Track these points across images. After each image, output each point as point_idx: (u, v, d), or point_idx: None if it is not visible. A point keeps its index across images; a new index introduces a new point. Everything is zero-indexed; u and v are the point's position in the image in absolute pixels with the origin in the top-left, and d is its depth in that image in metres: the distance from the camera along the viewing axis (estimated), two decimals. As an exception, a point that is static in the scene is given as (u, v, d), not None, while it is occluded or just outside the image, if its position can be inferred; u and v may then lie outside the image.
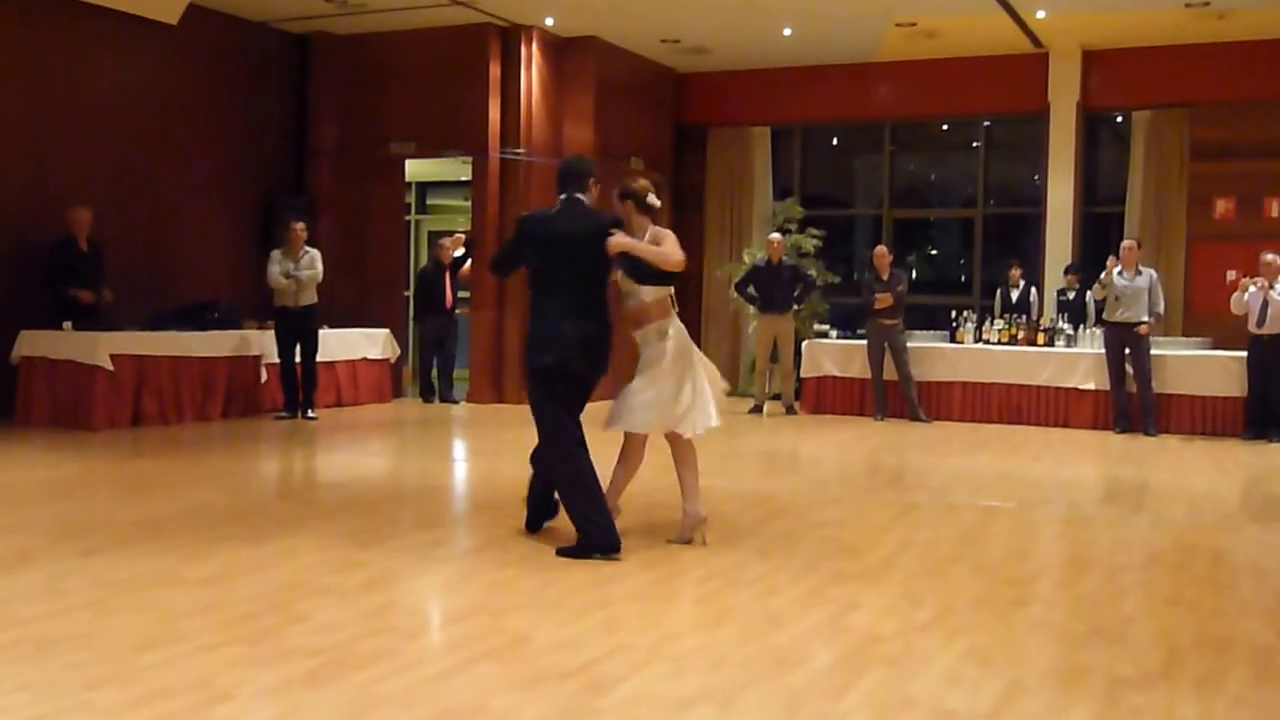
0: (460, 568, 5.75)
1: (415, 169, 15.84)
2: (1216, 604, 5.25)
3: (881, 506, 7.64)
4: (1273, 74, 13.24)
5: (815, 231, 14.48)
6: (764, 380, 13.42)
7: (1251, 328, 11.37)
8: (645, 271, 6.28)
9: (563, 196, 6.33)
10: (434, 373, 13.82)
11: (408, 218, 16.07)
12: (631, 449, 6.37)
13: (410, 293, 15.51)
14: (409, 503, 7.78)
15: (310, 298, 11.74)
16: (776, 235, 13.48)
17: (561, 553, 5.86)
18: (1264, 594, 5.50)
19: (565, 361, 6.10)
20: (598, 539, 5.83)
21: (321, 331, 12.10)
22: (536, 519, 6.43)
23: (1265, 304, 11.25)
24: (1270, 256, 11.39)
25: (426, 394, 13.80)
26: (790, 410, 13.20)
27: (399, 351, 13.91)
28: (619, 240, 6.19)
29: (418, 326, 14.48)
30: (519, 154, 13.62)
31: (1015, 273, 13.42)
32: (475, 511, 7.22)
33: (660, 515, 6.99)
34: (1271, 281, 11.27)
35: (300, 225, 11.84)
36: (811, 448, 11.10)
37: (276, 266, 11.63)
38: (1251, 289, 11.29)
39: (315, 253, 11.82)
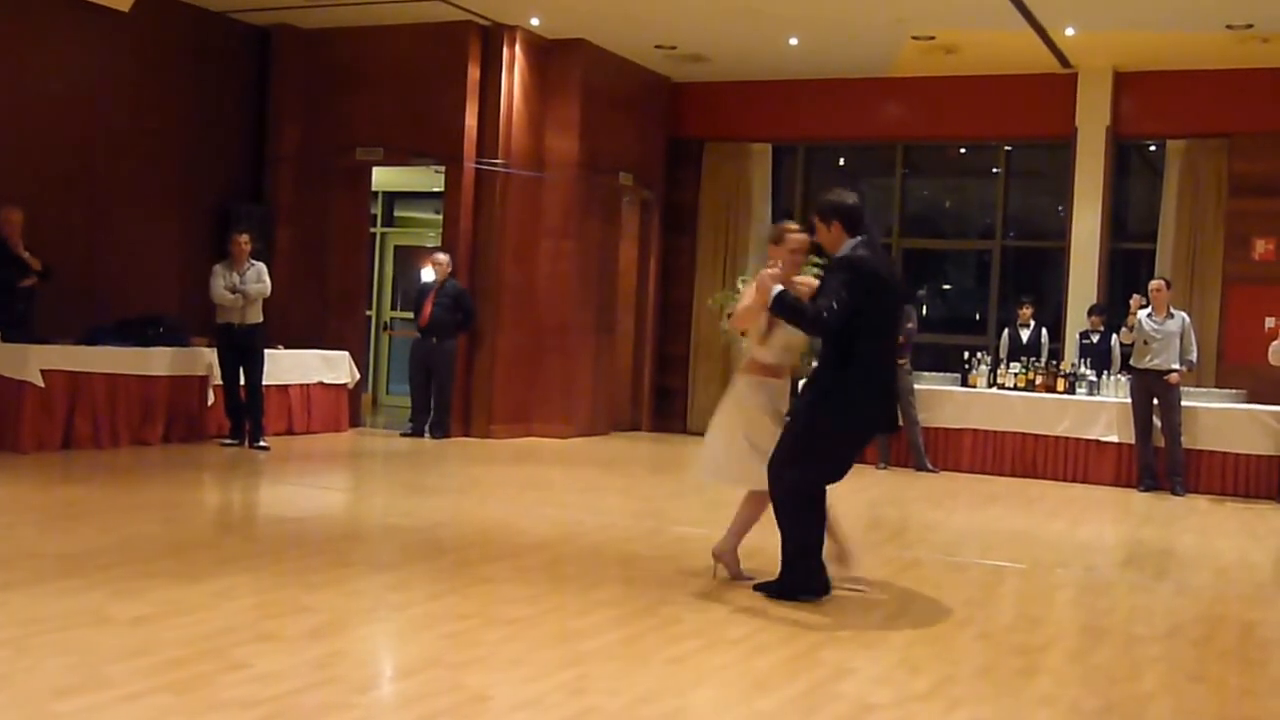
0: (417, 615, 5.74)
1: (382, 178, 15.87)
2: (1244, 682, 5.27)
3: (880, 563, 7.64)
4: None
5: (818, 260, 14.46)
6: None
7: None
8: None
9: (865, 237, 6.26)
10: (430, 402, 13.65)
11: (373, 230, 16.09)
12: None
13: (372, 312, 15.52)
14: (363, 542, 7.77)
15: (256, 315, 11.74)
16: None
17: (759, 588, 6.27)
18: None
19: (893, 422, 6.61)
20: (808, 582, 6.16)
21: (271, 352, 12.10)
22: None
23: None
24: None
25: (414, 424, 13.68)
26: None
27: (358, 376, 13.89)
28: None
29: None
30: (496, 164, 13.66)
31: (1025, 311, 13.46)
32: (435, 554, 7.21)
33: (638, 566, 7.00)
34: (1313, 330, 11.34)
35: (244, 237, 11.85)
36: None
37: (220, 280, 11.63)
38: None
39: (261, 266, 11.84)
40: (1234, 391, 12.45)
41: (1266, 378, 11.94)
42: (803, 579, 6.20)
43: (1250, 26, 12.10)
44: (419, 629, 5.53)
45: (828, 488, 6.38)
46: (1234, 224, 13.64)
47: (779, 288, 6.10)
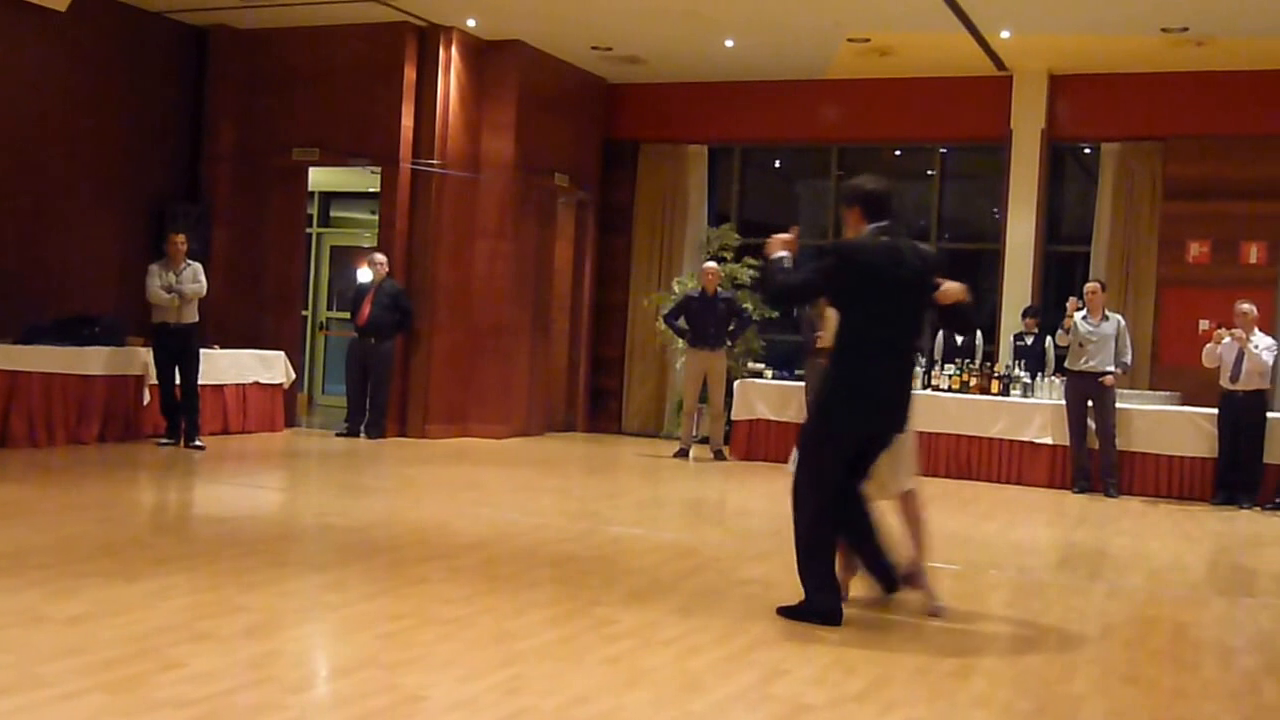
0: (352, 615, 5.74)
1: (319, 178, 15.81)
2: (1177, 684, 5.34)
3: (816, 564, 7.69)
4: (1253, 108, 13.50)
5: (753, 261, 14.58)
6: (691, 422, 13.49)
7: (1224, 383, 11.60)
8: None
9: (883, 225, 6.02)
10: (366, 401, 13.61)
11: (309, 230, 16.03)
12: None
13: (308, 312, 15.45)
14: (298, 542, 7.75)
15: (192, 315, 11.70)
16: (712, 264, 13.59)
17: (783, 612, 6.01)
18: (1229, 674, 5.61)
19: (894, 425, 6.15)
20: (827, 604, 5.95)
21: (207, 352, 12.06)
22: (889, 573, 6.29)
23: (1240, 357, 11.45)
24: (1246, 306, 11.60)
25: (350, 424, 13.63)
26: (719, 455, 13.26)
27: (294, 376, 13.84)
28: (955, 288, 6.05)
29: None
30: (432, 165, 13.65)
31: None
32: (371, 554, 7.20)
33: (572, 566, 7.03)
34: (1248, 333, 11.48)
35: (180, 237, 11.82)
36: (740, 497, 11.18)
37: (156, 280, 11.59)
38: (1226, 340, 11.50)
39: (198, 266, 11.81)
40: (1168, 394, 12.62)
41: (1201, 380, 12.12)
42: (814, 596, 5.96)
43: (1184, 30, 12.25)
44: (354, 629, 5.53)
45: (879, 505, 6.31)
46: (1168, 227, 13.80)
47: (784, 254, 5.96)
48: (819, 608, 5.92)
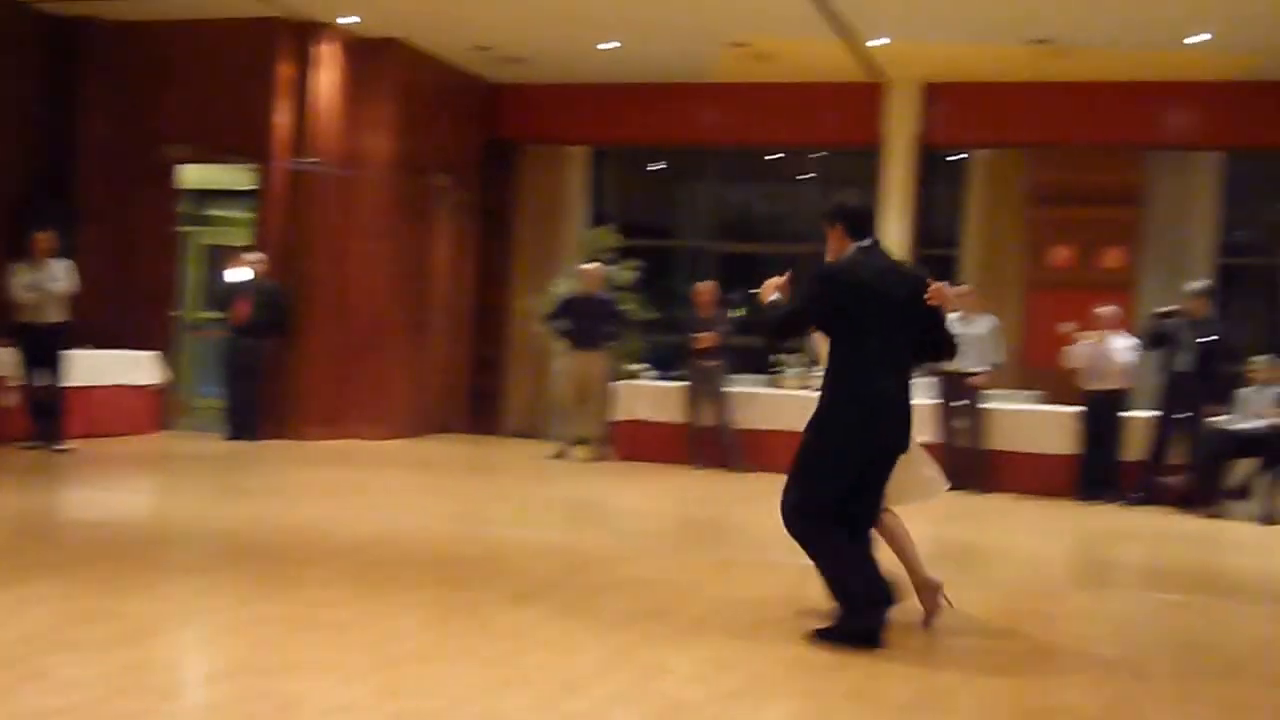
0: (227, 620, 5.65)
1: (193, 175, 15.50)
2: (1042, 674, 5.47)
3: (694, 563, 7.75)
4: (1113, 117, 13.92)
5: (633, 263, 14.64)
6: (571, 423, 13.48)
7: (1086, 383, 11.95)
8: None
9: (867, 243, 5.86)
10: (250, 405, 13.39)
11: (182, 228, 15.72)
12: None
13: (181, 312, 15.15)
14: (171, 547, 7.61)
15: (59, 314, 11.43)
16: (592, 265, 13.60)
17: (821, 635, 5.72)
18: (1089, 665, 5.74)
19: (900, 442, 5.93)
20: (863, 624, 5.70)
21: (76, 353, 11.77)
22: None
23: (1100, 358, 11.84)
24: (1105, 309, 12.00)
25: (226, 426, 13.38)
26: (599, 456, 13.29)
27: (166, 377, 13.58)
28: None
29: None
30: (310, 164, 13.48)
31: None
32: (247, 558, 7.10)
33: (453, 568, 7.00)
34: (1108, 335, 11.87)
35: (44, 235, 11.51)
36: (620, 498, 11.20)
37: (19, 279, 11.33)
38: (1087, 342, 11.85)
39: (65, 264, 11.53)
40: (1034, 393, 12.90)
41: (1064, 380, 12.40)
42: (854, 622, 5.68)
43: (1045, 41, 12.53)
44: (229, 634, 5.44)
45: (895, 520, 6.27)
46: (1034, 232, 14.13)
47: (776, 296, 5.84)
48: (853, 629, 5.68)
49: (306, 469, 11.42)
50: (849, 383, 5.72)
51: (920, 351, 5.97)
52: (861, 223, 5.88)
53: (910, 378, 5.92)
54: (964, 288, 12.36)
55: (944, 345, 6.06)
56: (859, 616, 5.68)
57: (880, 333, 5.72)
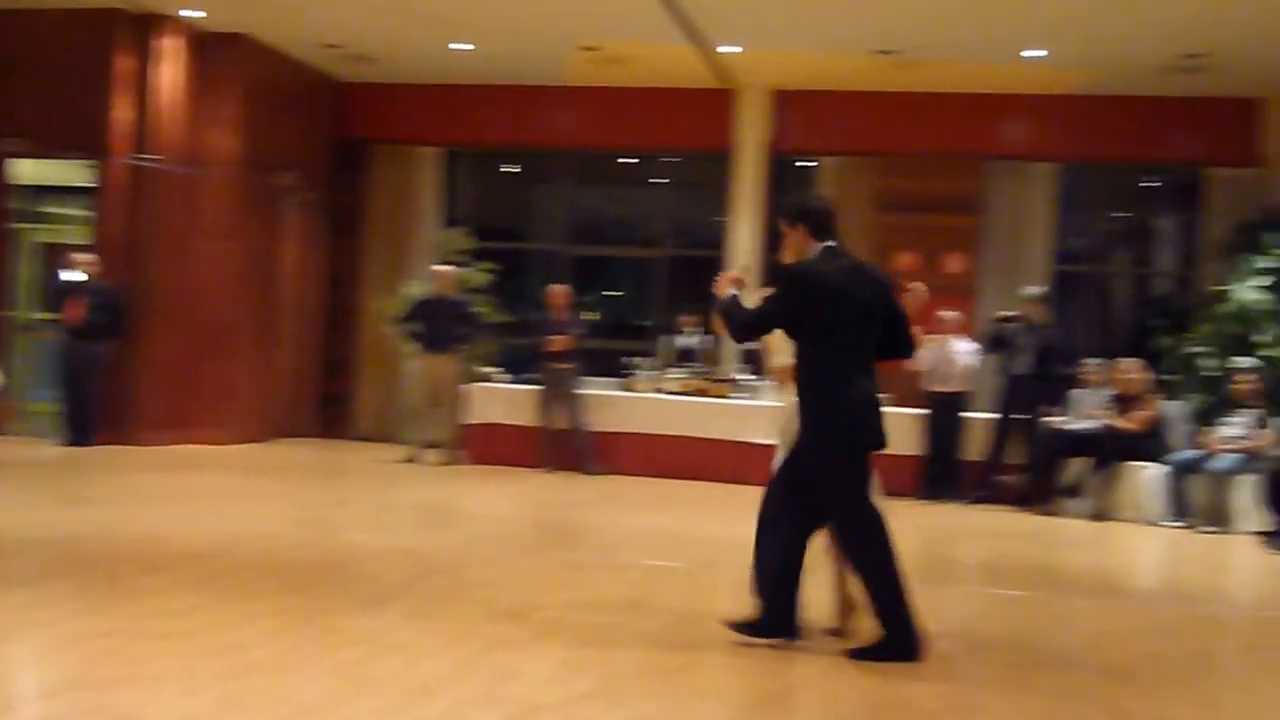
0: (61, 633, 5.44)
1: (27, 170, 15.03)
2: (884, 669, 5.51)
3: (545, 566, 7.71)
4: (956, 127, 14.28)
5: (487, 265, 14.55)
6: (423, 427, 13.33)
7: (928, 385, 12.23)
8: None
9: (832, 244, 5.85)
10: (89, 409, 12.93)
11: (15, 226, 15.23)
12: None
13: (13, 313, 14.67)
14: (3, 558, 7.33)
15: None
16: (446, 267, 13.49)
17: (856, 655, 5.59)
18: (930, 659, 5.80)
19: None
20: (905, 640, 5.61)
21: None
22: (787, 618, 5.80)
23: (943, 361, 12.15)
24: (948, 314, 12.30)
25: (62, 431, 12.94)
26: (451, 460, 13.17)
27: (1, 380, 13.11)
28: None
29: None
30: (151, 160, 13.13)
31: (689, 319, 13.88)
32: (83, 568, 6.87)
33: (299, 575, 6.86)
34: (950, 339, 12.23)
35: None
36: (472, 501, 11.12)
37: None
38: (930, 346, 12.04)
39: None
40: (881, 395, 13.05)
41: (908, 382, 12.60)
42: (893, 634, 5.61)
43: (888, 53, 12.81)
44: (63, 647, 5.24)
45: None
46: (881, 238, 14.34)
47: (733, 291, 5.86)
48: (896, 646, 5.61)
49: (147, 475, 11.11)
50: (832, 387, 5.73)
51: (882, 350, 5.97)
52: (825, 223, 5.93)
53: (876, 381, 5.91)
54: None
55: (905, 344, 6.11)
56: (898, 642, 5.62)
57: (852, 332, 5.75)
